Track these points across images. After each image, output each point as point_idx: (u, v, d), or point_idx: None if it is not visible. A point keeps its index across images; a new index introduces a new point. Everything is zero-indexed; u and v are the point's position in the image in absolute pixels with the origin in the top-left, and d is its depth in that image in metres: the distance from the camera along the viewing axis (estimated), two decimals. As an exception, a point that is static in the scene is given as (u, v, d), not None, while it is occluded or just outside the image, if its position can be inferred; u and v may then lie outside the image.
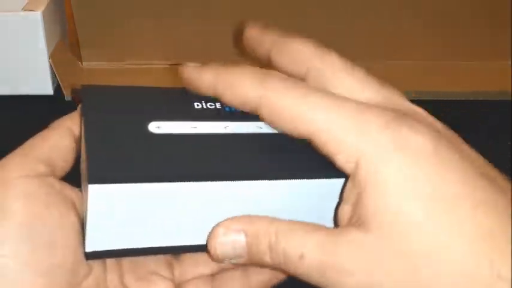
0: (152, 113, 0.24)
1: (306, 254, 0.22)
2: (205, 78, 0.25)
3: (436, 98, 0.47)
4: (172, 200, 0.22)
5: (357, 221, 0.21)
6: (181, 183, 0.22)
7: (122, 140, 0.23)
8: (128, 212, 0.22)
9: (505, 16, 0.49)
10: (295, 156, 0.23)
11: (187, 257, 0.27)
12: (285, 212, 0.23)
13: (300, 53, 0.24)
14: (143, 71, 0.49)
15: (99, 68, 0.49)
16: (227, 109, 0.25)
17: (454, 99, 0.48)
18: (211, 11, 0.47)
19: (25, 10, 0.44)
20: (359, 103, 0.22)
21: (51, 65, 0.46)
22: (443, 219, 0.20)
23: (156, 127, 0.23)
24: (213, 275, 0.27)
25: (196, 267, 0.27)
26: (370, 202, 0.21)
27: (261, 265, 0.23)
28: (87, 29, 0.47)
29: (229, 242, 0.23)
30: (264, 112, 0.23)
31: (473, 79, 0.50)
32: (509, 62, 0.51)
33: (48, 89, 0.47)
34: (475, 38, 0.50)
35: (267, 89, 0.23)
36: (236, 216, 0.23)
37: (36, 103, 0.47)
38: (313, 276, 0.22)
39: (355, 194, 0.21)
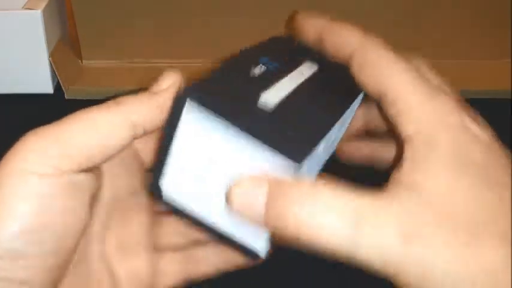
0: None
1: (362, 221, 0.20)
2: (316, 22, 0.27)
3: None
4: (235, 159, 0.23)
5: (408, 184, 0.22)
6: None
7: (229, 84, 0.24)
8: (194, 152, 0.23)
9: (505, 15, 0.49)
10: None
11: (167, 223, 0.28)
12: None
13: (349, 36, 0.25)
14: (143, 69, 0.49)
15: (99, 67, 0.49)
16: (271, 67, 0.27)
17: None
18: (211, 9, 0.47)
19: (25, 8, 0.44)
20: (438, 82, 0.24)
21: (51, 64, 0.46)
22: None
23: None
24: (186, 247, 0.28)
25: (174, 236, 0.28)
26: (423, 169, 0.22)
27: (279, 232, 0.22)
28: (87, 28, 0.47)
29: (251, 195, 0.22)
30: (356, 58, 0.24)
31: (473, 78, 0.50)
32: (510, 61, 0.51)
33: (48, 88, 0.47)
34: (475, 37, 0.50)
35: (367, 41, 0.24)
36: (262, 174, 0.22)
37: (36, 102, 0.47)
38: (367, 249, 0.20)
39: (412, 156, 0.22)
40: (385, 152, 0.30)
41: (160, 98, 0.24)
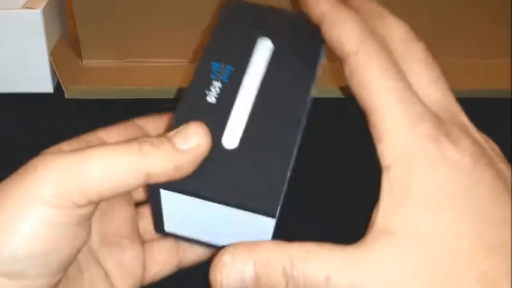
0: None
1: (333, 275, 0.21)
2: (319, 4, 0.25)
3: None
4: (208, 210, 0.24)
5: (385, 228, 0.21)
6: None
7: None
8: (182, 209, 0.25)
9: (505, 13, 0.49)
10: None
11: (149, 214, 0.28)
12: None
13: (348, 36, 0.24)
14: (143, 69, 0.49)
15: (100, 66, 0.49)
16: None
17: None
18: (211, 9, 0.47)
19: (25, 8, 0.44)
20: (424, 105, 0.23)
21: (51, 63, 0.46)
22: (470, 236, 0.21)
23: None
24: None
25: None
26: (400, 210, 0.21)
27: None
28: (88, 27, 0.47)
29: (237, 273, 0.22)
30: (348, 64, 0.24)
31: (473, 77, 0.50)
32: (510, 60, 0.51)
33: (48, 87, 0.47)
34: (475, 36, 0.50)
35: (363, 47, 0.23)
36: (241, 243, 0.23)
37: (36, 101, 0.47)
38: None
39: (388, 195, 0.22)
40: None
41: (182, 160, 0.23)
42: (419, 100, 0.23)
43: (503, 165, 0.23)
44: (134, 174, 0.22)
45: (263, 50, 0.28)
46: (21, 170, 0.22)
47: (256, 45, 0.28)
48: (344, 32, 0.24)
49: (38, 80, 0.47)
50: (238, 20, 0.29)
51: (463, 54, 0.51)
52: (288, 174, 0.25)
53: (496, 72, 0.50)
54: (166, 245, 0.28)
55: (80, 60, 0.50)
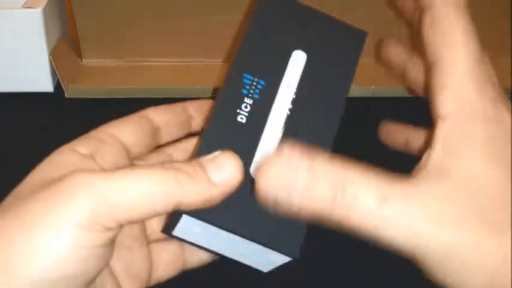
0: None
1: (386, 201, 0.21)
2: None
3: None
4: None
5: (439, 169, 0.22)
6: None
7: None
8: (200, 227, 0.25)
9: (505, 12, 0.49)
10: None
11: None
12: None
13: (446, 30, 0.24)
14: (143, 68, 0.49)
15: (99, 66, 0.49)
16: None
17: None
18: (211, 8, 0.47)
19: (25, 7, 0.44)
20: (492, 72, 0.24)
21: (51, 62, 0.46)
22: None
23: None
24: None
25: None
26: (457, 155, 0.22)
27: (314, 213, 0.21)
28: (87, 26, 0.47)
29: (289, 172, 0.21)
30: (432, 12, 0.24)
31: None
32: (509, 60, 0.51)
33: (48, 87, 0.47)
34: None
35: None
36: (297, 146, 0.22)
37: (36, 100, 0.47)
38: (389, 228, 0.21)
39: (445, 141, 0.22)
40: (420, 139, 0.30)
41: (215, 193, 0.22)
42: (488, 65, 0.24)
43: None
44: (166, 202, 0.22)
45: (297, 64, 0.27)
46: (58, 187, 0.21)
47: (290, 58, 0.27)
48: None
49: (38, 79, 0.47)
50: (273, 23, 0.28)
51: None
52: None
53: (496, 71, 0.50)
54: (173, 247, 0.28)
55: (79, 60, 0.50)
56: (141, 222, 0.28)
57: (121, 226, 0.22)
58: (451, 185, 0.21)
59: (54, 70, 0.46)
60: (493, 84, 0.23)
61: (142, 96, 0.47)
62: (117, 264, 0.26)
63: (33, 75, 0.47)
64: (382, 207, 0.21)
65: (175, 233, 0.26)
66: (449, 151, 0.22)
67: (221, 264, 0.28)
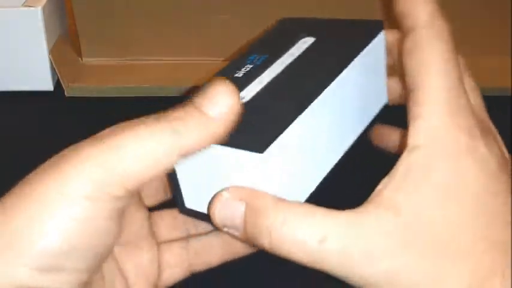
0: None
1: (328, 237, 0.21)
2: None
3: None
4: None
5: (390, 203, 0.21)
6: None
7: None
8: (194, 172, 0.25)
9: (505, 11, 0.49)
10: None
11: (164, 218, 0.28)
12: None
13: (418, 8, 0.25)
14: (143, 67, 0.49)
15: (99, 64, 0.49)
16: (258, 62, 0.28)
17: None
18: (212, 8, 0.47)
19: (25, 6, 0.44)
20: (468, 100, 0.23)
21: (51, 61, 0.46)
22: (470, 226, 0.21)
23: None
24: (187, 239, 0.28)
25: (173, 230, 0.28)
26: (412, 192, 0.21)
27: (256, 245, 0.22)
28: (87, 25, 0.47)
29: (229, 209, 0.23)
30: (413, 36, 0.24)
31: (473, 75, 0.50)
32: (510, 58, 0.51)
33: (48, 85, 0.47)
34: (475, 33, 0.50)
35: (431, 24, 0.24)
36: (243, 186, 0.23)
37: (36, 99, 0.47)
38: (331, 263, 0.21)
39: (404, 174, 0.22)
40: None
41: (217, 129, 0.21)
42: (466, 94, 0.23)
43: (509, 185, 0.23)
44: (169, 154, 0.21)
45: (303, 45, 0.29)
46: (62, 160, 0.21)
47: (298, 41, 0.29)
48: (418, 4, 0.24)
49: (38, 78, 0.47)
50: (287, 28, 0.30)
51: (463, 52, 0.51)
52: (292, 125, 0.24)
53: (496, 70, 0.50)
54: (182, 248, 0.28)
55: (79, 58, 0.50)
56: (149, 218, 0.27)
57: (132, 194, 0.21)
58: (398, 222, 0.21)
59: (54, 69, 0.46)
60: (469, 113, 0.23)
61: (143, 95, 0.47)
62: (126, 260, 0.26)
63: (33, 74, 0.47)
64: (320, 247, 0.21)
65: (186, 204, 0.27)
66: (404, 186, 0.22)
67: (222, 264, 0.28)
